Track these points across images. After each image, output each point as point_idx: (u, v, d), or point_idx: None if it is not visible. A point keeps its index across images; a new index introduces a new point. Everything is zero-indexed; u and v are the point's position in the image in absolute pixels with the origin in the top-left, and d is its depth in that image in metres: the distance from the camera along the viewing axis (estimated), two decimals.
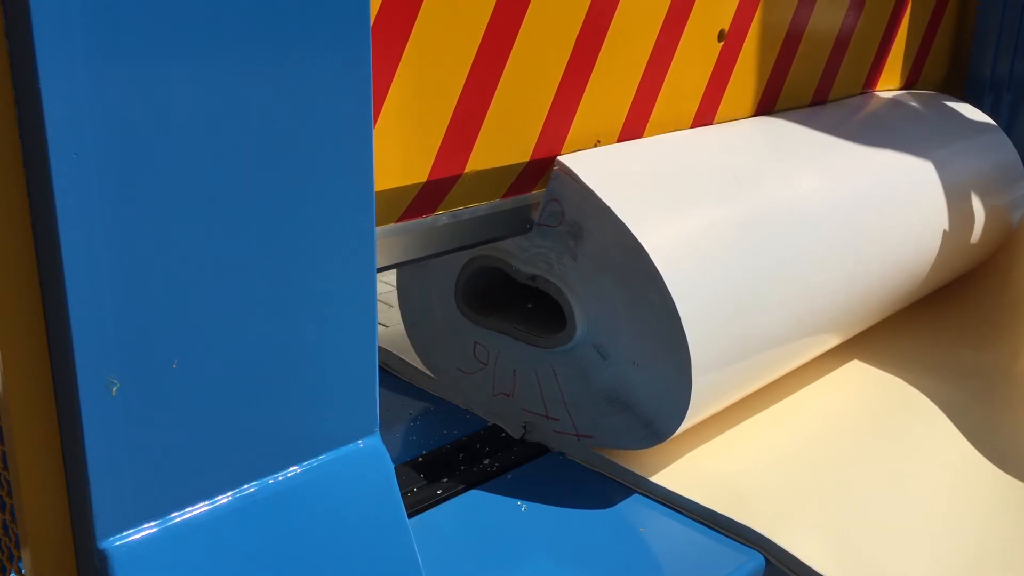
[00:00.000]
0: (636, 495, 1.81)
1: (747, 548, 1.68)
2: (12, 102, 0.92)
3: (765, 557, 1.67)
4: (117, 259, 0.96)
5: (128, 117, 0.94)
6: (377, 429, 1.25)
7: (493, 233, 1.83)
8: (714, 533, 1.71)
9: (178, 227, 1.00)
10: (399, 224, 1.65)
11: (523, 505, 1.77)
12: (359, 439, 1.23)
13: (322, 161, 1.10)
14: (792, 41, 2.29)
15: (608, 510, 1.77)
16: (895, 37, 2.64)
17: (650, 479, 1.76)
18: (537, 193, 1.86)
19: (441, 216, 1.72)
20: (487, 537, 1.69)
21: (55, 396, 1.01)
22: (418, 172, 1.63)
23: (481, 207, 1.78)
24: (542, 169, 1.84)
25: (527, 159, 1.80)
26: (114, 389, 0.99)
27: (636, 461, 1.81)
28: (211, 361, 1.06)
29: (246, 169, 1.04)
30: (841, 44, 2.45)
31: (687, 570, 1.63)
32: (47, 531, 1.05)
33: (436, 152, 1.64)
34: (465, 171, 1.70)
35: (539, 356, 1.90)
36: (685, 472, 1.80)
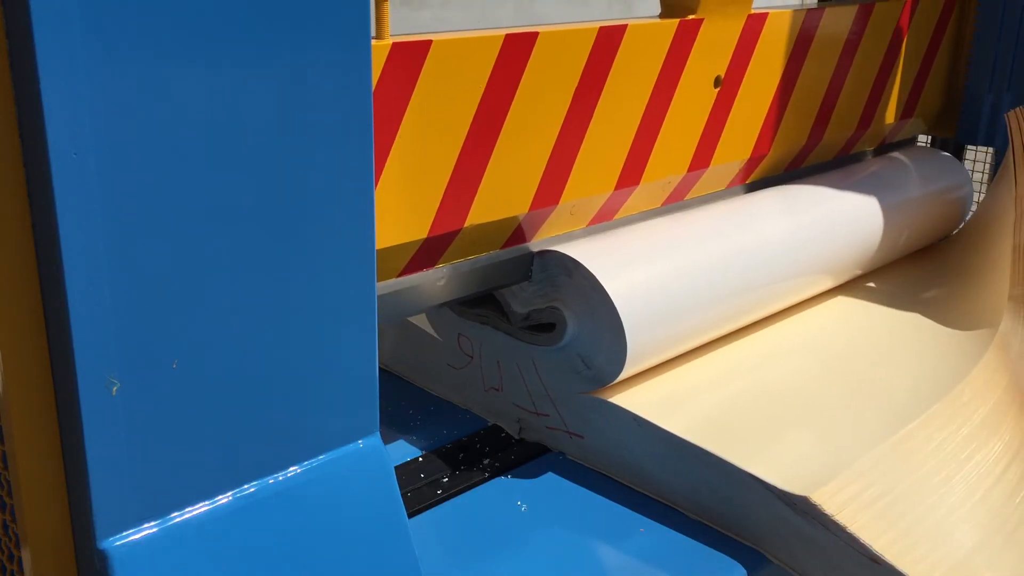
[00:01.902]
0: (636, 495, 1.81)
1: (747, 547, 1.68)
2: (12, 102, 0.92)
3: (765, 556, 1.67)
4: (117, 259, 0.96)
5: (128, 117, 0.94)
6: (377, 429, 1.25)
7: (493, 283, 1.86)
8: (714, 532, 1.71)
9: (178, 228, 1.00)
10: (400, 279, 1.68)
11: (523, 505, 1.77)
12: (359, 439, 1.23)
13: (324, 157, 1.10)
14: (788, 83, 2.32)
15: (608, 510, 1.77)
16: (891, 70, 2.67)
17: (638, 414, 1.80)
18: (538, 241, 1.89)
19: (442, 268, 1.74)
20: (487, 537, 1.69)
21: (55, 396, 1.01)
22: (418, 229, 1.66)
23: (481, 258, 1.80)
24: (542, 218, 1.87)
25: (526, 210, 1.82)
26: (114, 389, 0.99)
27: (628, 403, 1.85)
28: (211, 361, 1.06)
29: (245, 170, 1.04)
30: (837, 82, 2.48)
31: (687, 569, 1.63)
32: (47, 531, 1.05)
33: (436, 209, 1.67)
34: (465, 226, 1.73)
35: (519, 347, 1.92)
36: (666, 406, 1.84)
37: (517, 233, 1.85)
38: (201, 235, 1.02)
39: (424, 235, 1.66)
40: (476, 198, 1.72)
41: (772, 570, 1.66)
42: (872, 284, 2.52)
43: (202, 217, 1.02)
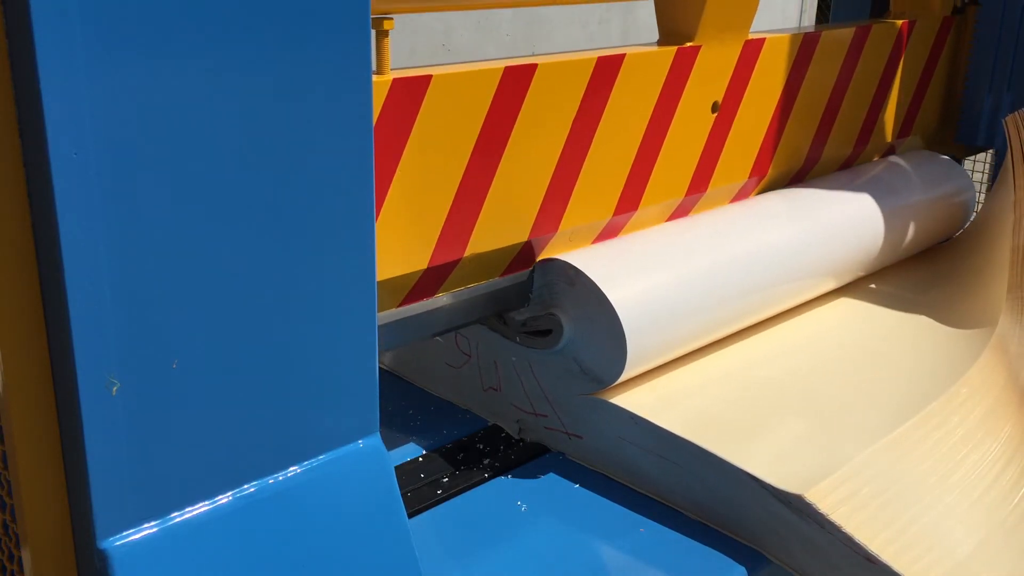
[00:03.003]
0: (636, 495, 1.81)
1: (746, 547, 1.68)
2: (12, 102, 0.92)
3: (764, 556, 1.67)
4: (117, 259, 0.96)
5: (128, 117, 0.94)
6: (377, 429, 1.25)
7: (492, 309, 1.87)
8: (714, 532, 1.72)
9: (178, 227, 1.00)
10: (401, 308, 1.69)
11: (523, 505, 1.77)
12: (359, 439, 1.23)
13: (325, 167, 1.10)
14: (784, 108, 2.34)
15: (608, 510, 1.77)
16: (889, 90, 2.68)
17: (636, 412, 1.80)
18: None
19: (441, 297, 1.76)
20: (487, 537, 1.69)
21: (55, 396, 1.01)
22: (418, 260, 1.67)
23: (480, 286, 1.81)
24: (542, 245, 1.89)
25: (526, 238, 1.84)
26: (114, 389, 0.99)
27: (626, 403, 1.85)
28: (211, 361, 1.06)
29: (246, 169, 1.04)
30: (834, 104, 2.49)
31: (687, 569, 1.63)
32: (47, 531, 1.05)
33: (436, 241, 1.69)
34: (464, 255, 1.74)
35: (516, 350, 1.93)
36: (664, 406, 1.85)
37: (516, 260, 1.86)
38: (201, 236, 1.02)
39: (424, 265, 1.68)
40: (476, 228, 1.74)
41: (772, 570, 1.66)
42: (873, 285, 2.53)
43: (202, 218, 1.02)
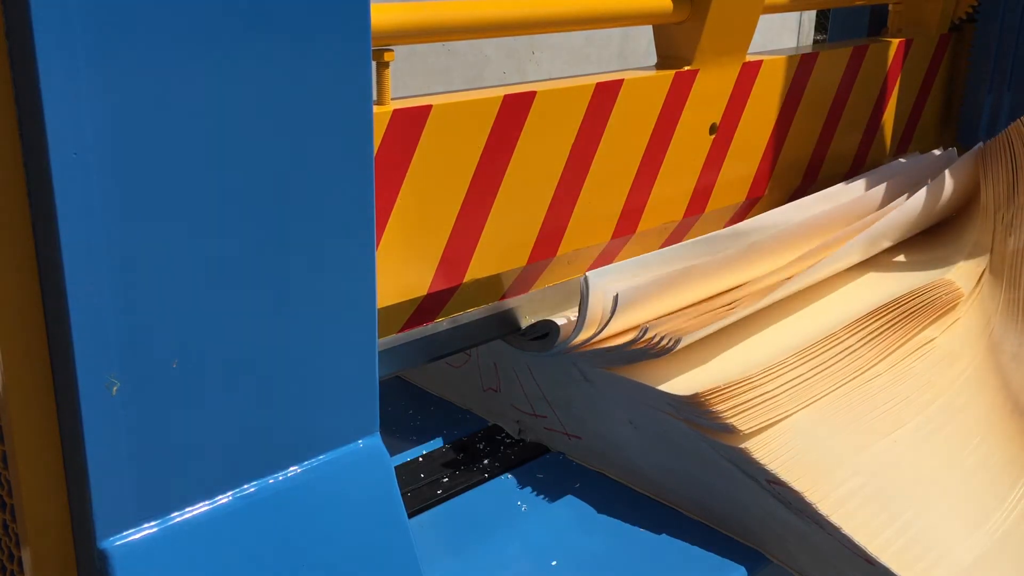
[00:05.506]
0: (636, 495, 1.81)
1: (747, 547, 1.68)
2: (12, 102, 0.92)
3: (765, 556, 1.67)
4: (117, 259, 0.96)
5: (128, 117, 0.94)
6: (377, 429, 1.25)
7: (492, 333, 1.87)
8: (714, 532, 1.72)
9: (178, 227, 1.00)
10: (400, 334, 1.70)
11: (523, 505, 1.77)
12: (359, 439, 1.23)
13: (325, 163, 1.10)
14: (782, 128, 2.35)
15: (608, 510, 1.77)
16: (886, 109, 2.69)
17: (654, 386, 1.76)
18: (538, 291, 1.92)
19: (441, 323, 1.77)
20: (487, 537, 1.69)
21: (55, 396, 1.01)
22: (418, 288, 1.68)
23: (480, 310, 1.82)
24: (540, 269, 1.89)
25: (524, 263, 1.84)
26: (114, 389, 0.99)
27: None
28: (211, 361, 1.06)
29: (246, 169, 1.04)
30: (831, 124, 2.50)
31: (687, 569, 1.63)
32: (47, 531, 1.05)
33: (435, 269, 1.69)
34: (464, 281, 1.75)
35: (514, 351, 1.93)
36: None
37: (515, 285, 1.87)
38: (201, 235, 1.02)
39: (424, 292, 1.69)
40: (475, 254, 1.75)
41: (772, 570, 1.67)
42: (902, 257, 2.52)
43: (202, 217, 1.02)
